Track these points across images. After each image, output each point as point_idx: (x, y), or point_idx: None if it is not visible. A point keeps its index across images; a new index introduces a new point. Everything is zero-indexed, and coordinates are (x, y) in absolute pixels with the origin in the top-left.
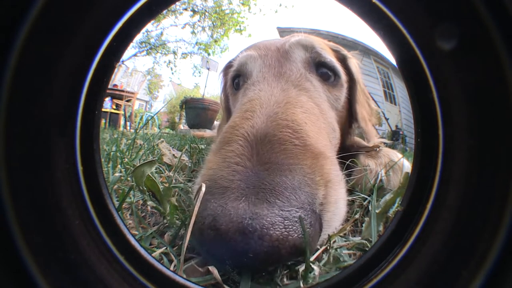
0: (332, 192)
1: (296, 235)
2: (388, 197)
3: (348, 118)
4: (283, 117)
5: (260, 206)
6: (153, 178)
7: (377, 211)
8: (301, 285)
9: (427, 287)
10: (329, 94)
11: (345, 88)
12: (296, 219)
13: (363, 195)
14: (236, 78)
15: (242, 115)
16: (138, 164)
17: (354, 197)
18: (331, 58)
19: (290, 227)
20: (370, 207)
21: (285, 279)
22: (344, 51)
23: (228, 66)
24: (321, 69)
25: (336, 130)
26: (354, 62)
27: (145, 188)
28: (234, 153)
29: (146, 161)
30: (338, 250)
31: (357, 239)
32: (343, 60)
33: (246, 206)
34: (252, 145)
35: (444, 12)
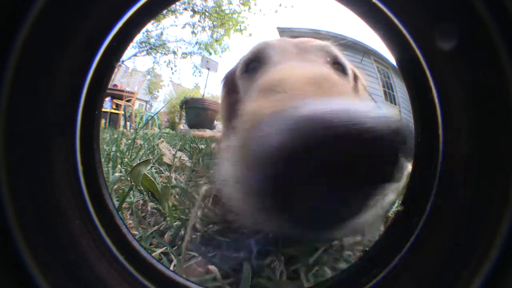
0: None
1: None
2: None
3: None
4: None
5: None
6: (151, 177)
7: None
8: (304, 284)
9: (427, 287)
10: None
11: (351, 86)
12: None
13: None
14: (251, 63)
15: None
16: (135, 164)
17: None
18: (344, 59)
19: None
20: None
21: (284, 278)
22: (358, 73)
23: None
24: (334, 64)
25: None
26: (363, 85)
27: (142, 188)
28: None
29: (142, 160)
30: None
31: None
32: (354, 78)
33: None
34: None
35: (444, 12)
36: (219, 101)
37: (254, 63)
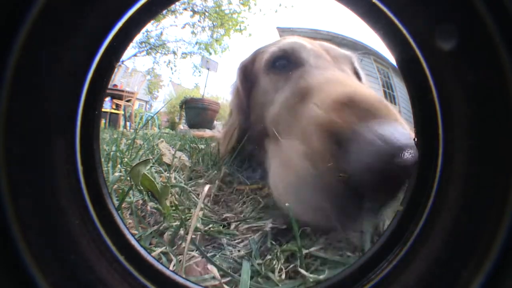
0: None
1: None
2: None
3: None
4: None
5: None
6: (151, 177)
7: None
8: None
9: (427, 287)
10: None
11: None
12: None
13: None
14: (278, 60)
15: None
16: (134, 164)
17: None
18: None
19: None
20: None
21: (283, 276)
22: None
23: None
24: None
25: None
26: None
27: (142, 188)
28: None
29: (141, 160)
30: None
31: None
32: None
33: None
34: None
35: (444, 12)
36: (230, 90)
37: (282, 60)
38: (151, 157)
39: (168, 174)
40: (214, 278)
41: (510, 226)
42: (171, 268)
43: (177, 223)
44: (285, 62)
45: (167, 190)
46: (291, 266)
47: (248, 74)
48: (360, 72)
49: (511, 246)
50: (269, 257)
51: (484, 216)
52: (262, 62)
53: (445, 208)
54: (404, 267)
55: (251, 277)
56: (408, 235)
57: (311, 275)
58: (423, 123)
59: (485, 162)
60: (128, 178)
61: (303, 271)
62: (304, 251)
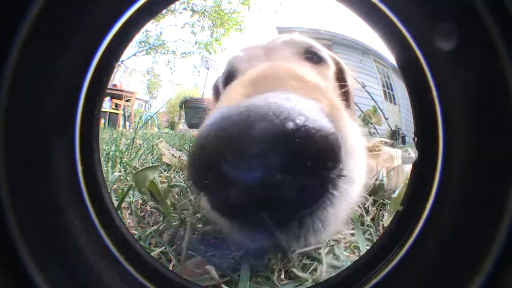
0: (342, 117)
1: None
2: (397, 193)
3: None
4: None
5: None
6: (154, 180)
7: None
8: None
9: (427, 287)
10: (316, 71)
11: (333, 70)
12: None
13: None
14: (229, 77)
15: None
16: (141, 168)
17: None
18: (321, 47)
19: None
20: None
21: (282, 276)
22: (342, 64)
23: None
24: (307, 54)
25: None
26: (350, 76)
27: (146, 191)
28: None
29: (149, 165)
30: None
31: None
32: (340, 72)
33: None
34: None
35: (444, 12)
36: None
37: (230, 77)
38: (159, 164)
39: (168, 174)
40: (213, 278)
41: (510, 226)
42: (170, 268)
43: (177, 223)
44: (231, 78)
45: (169, 193)
46: (290, 266)
47: (219, 92)
48: (315, 49)
49: (511, 246)
50: (268, 257)
51: (484, 216)
52: (221, 82)
53: (445, 208)
54: (404, 267)
55: (251, 277)
56: (408, 235)
57: (304, 275)
58: (423, 123)
59: (485, 162)
60: (128, 178)
61: (296, 271)
62: (298, 251)
